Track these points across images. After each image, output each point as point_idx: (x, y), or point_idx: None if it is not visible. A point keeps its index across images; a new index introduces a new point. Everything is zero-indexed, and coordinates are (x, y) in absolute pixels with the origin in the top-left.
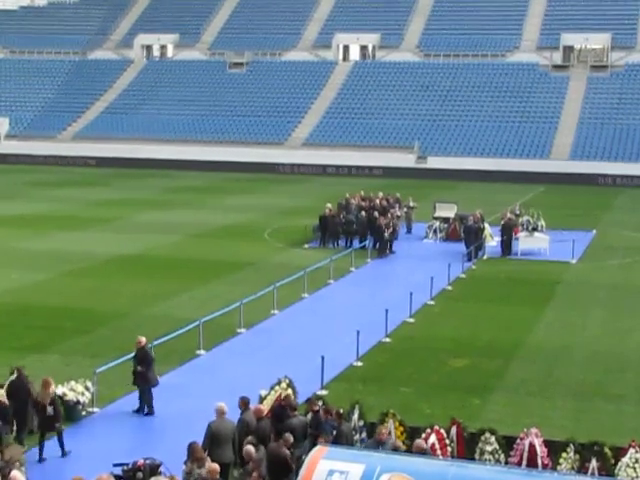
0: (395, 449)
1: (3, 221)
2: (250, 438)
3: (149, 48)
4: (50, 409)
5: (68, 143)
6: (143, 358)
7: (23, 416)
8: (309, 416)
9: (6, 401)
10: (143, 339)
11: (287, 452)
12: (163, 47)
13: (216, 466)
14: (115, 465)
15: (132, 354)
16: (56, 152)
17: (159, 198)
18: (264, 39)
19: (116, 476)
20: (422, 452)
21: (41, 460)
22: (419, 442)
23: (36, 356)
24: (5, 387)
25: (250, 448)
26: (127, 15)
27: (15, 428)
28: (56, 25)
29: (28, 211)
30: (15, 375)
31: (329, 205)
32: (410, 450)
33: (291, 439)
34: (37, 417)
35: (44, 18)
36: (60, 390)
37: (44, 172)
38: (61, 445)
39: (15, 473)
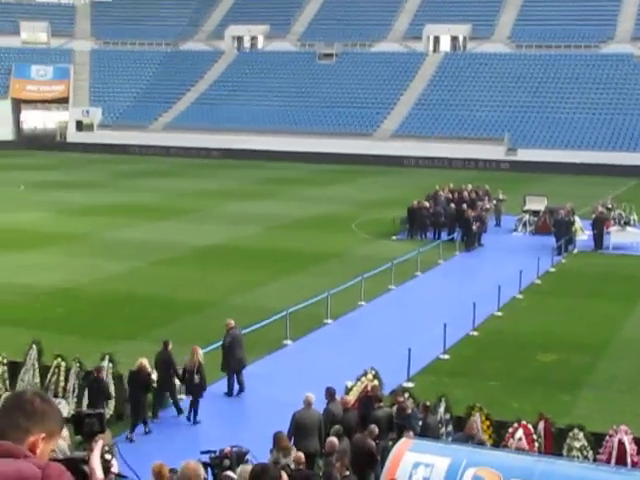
0: (480, 444)
1: (95, 210)
2: (337, 427)
3: (240, 39)
4: (197, 377)
5: (159, 133)
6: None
7: (169, 386)
8: (394, 408)
9: (148, 369)
10: (230, 322)
11: (372, 443)
12: (253, 38)
13: (301, 455)
14: (203, 452)
15: (219, 343)
16: (147, 142)
17: (248, 189)
18: (354, 30)
19: (204, 463)
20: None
21: (189, 420)
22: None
23: (126, 343)
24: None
25: (333, 439)
26: (218, 6)
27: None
28: (148, 16)
29: (119, 201)
30: (161, 348)
31: (426, 204)
32: (497, 445)
33: (376, 430)
34: (185, 385)
35: (137, 9)
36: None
37: (135, 162)
38: (195, 412)
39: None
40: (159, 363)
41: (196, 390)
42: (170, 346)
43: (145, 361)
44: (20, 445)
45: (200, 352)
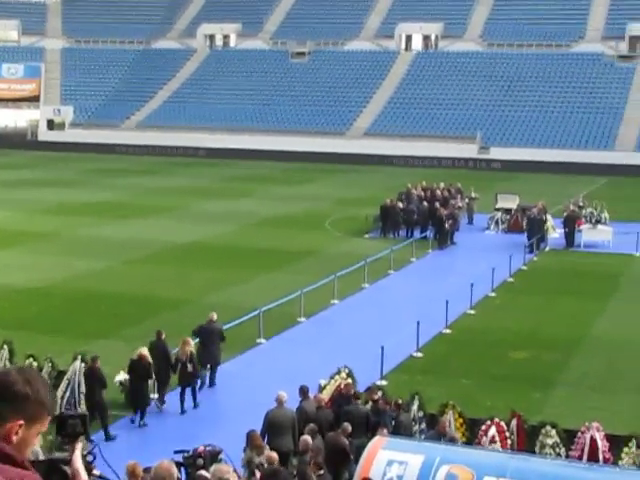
0: (452, 441)
1: (67, 209)
2: (312, 426)
3: (212, 37)
4: (190, 366)
5: (131, 132)
6: None
7: (164, 375)
8: (369, 405)
9: (149, 358)
10: (211, 315)
11: (345, 441)
12: (226, 37)
13: (274, 454)
14: (176, 452)
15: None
16: (120, 141)
17: (221, 187)
18: (326, 29)
19: (177, 463)
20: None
21: (183, 412)
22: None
23: (100, 342)
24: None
25: (307, 437)
26: (190, 5)
27: (156, 385)
28: (120, 14)
29: (91, 199)
30: (155, 337)
31: (400, 204)
32: (470, 442)
33: (349, 428)
34: (178, 374)
35: (108, 7)
36: (122, 376)
37: (108, 160)
38: (194, 398)
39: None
40: (155, 352)
41: (190, 378)
42: (163, 336)
43: (145, 350)
44: None
45: (192, 342)
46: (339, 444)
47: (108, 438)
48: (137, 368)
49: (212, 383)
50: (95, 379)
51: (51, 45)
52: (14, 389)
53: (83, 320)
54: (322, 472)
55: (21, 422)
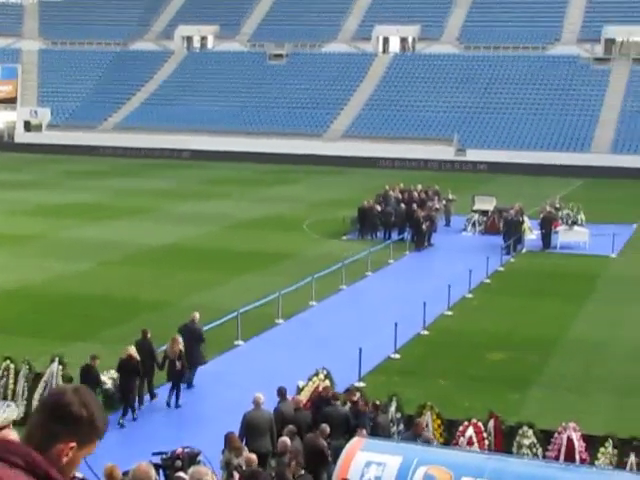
0: (427, 442)
1: (44, 211)
2: (291, 427)
3: (189, 39)
4: (178, 364)
5: (109, 133)
6: None
7: (149, 373)
8: (348, 406)
9: (137, 357)
10: (191, 315)
11: (324, 443)
12: (203, 38)
13: (253, 456)
14: (154, 454)
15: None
16: (97, 142)
17: (198, 189)
18: (304, 31)
19: (155, 465)
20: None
21: (169, 406)
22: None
23: (78, 344)
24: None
25: (285, 439)
26: (168, 6)
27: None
28: (97, 16)
29: (68, 201)
30: (140, 336)
31: (378, 207)
32: (448, 443)
33: (327, 430)
34: (167, 371)
35: (85, 9)
36: (100, 378)
37: (85, 162)
38: (177, 397)
39: None
40: (140, 351)
41: (178, 376)
42: (149, 334)
43: (134, 350)
44: (46, 449)
45: (181, 340)
46: (317, 446)
47: None
48: (126, 367)
49: (190, 384)
50: (91, 377)
51: (28, 47)
52: (70, 410)
53: (61, 322)
54: (302, 472)
55: (73, 444)
